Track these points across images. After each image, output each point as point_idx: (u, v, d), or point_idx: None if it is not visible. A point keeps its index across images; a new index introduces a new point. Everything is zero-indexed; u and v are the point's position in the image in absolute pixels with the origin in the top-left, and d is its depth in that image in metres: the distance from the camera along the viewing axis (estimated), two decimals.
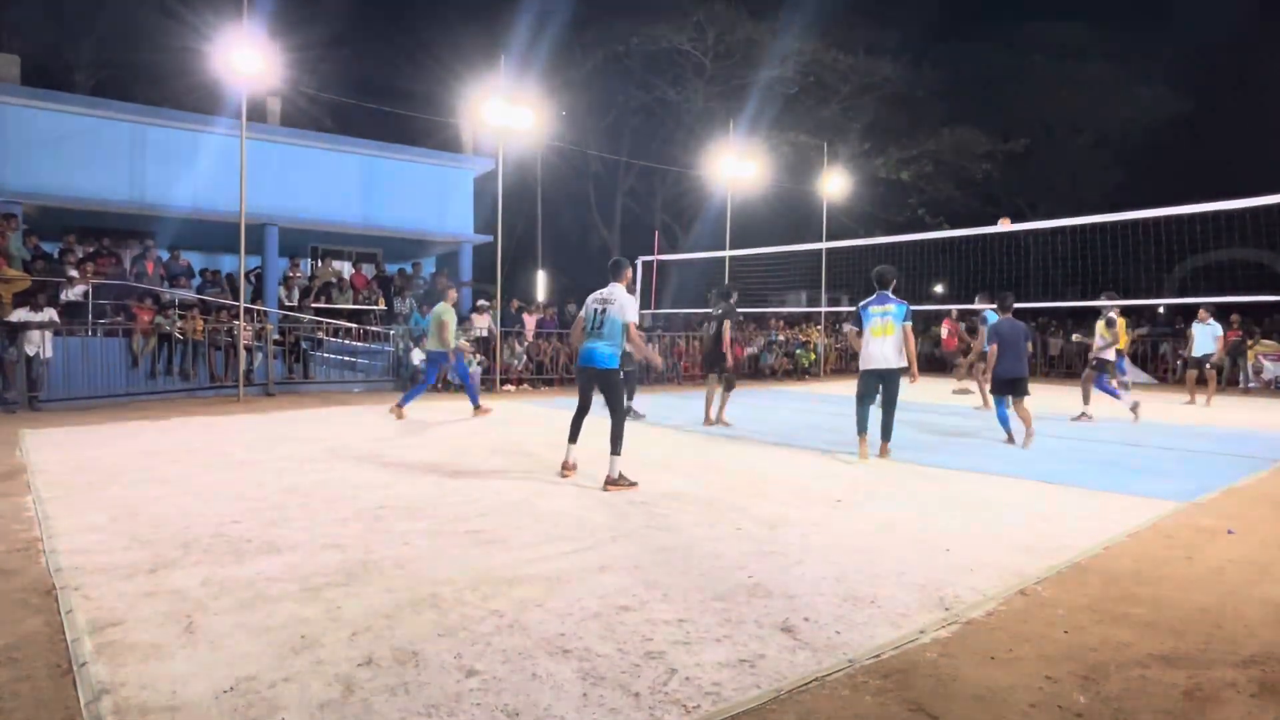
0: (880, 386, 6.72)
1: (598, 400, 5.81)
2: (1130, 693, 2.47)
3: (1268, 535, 4.38)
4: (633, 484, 5.44)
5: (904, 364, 6.64)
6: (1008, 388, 7.48)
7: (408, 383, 13.28)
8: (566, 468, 5.86)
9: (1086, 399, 9.94)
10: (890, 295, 6.74)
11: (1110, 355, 9.72)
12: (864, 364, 6.76)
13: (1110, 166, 26.81)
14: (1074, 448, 7.60)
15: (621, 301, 5.68)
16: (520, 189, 25.22)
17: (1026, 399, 7.49)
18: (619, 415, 5.61)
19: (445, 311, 9.52)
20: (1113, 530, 4.40)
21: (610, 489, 5.35)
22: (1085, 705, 2.39)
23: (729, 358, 9.04)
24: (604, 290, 5.82)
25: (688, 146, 24.68)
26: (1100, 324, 9.77)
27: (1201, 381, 12.36)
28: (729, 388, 9.29)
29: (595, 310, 5.74)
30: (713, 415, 9.10)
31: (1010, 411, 7.58)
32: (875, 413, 6.81)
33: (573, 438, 5.89)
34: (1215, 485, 5.74)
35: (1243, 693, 2.48)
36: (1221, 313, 16.63)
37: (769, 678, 2.53)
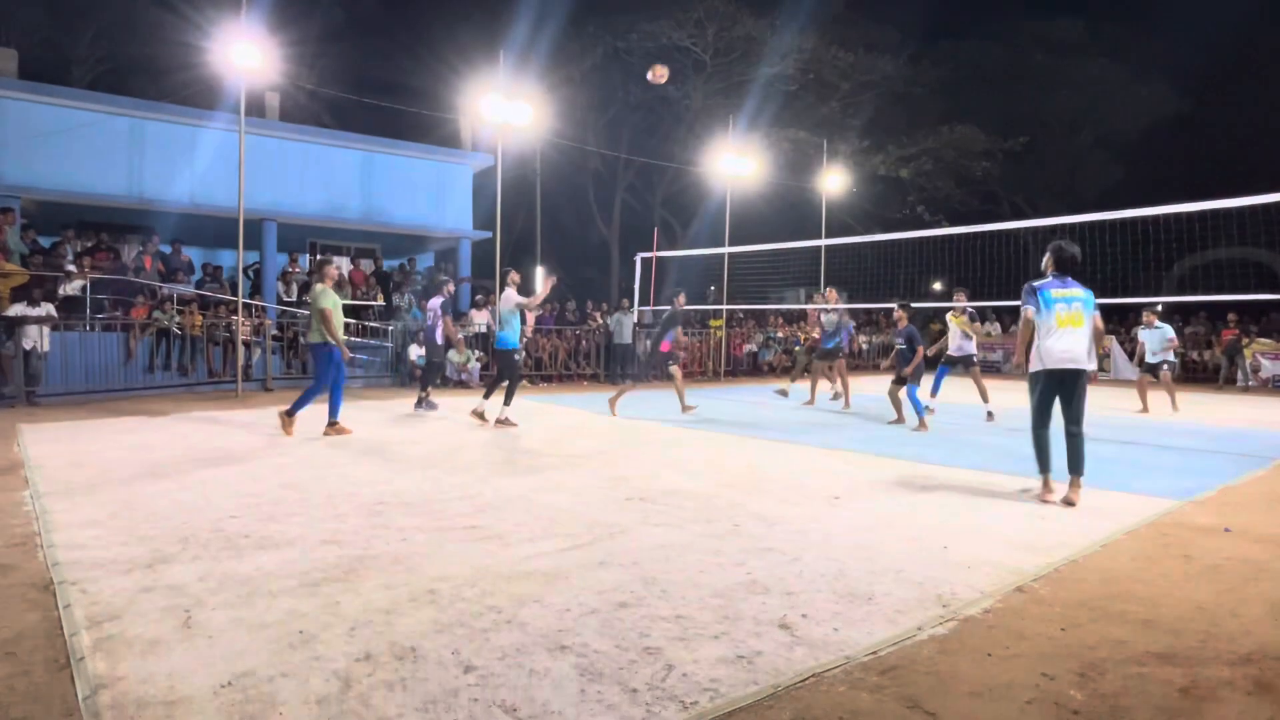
0: (1060, 394, 5.19)
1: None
2: (1127, 690, 2.48)
3: (1265, 533, 4.39)
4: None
5: (1093, 364, 5.37)
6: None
7: (407, 379, 13.29)
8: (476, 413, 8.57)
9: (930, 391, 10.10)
10: (1073, 280, 5.30)
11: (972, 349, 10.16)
12: (1041, 362, 5.21)
13: (1109, 165, 26.80)
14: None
15: (505, 297, 8.32)
16: (519, 185, 25.18)
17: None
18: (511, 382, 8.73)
19: (323, 295, 7.64)
20: (1110, 528, 4.41)
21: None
22: (1082, 702, 2.39)
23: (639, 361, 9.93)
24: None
25: (687, 143, 24.66)
26: (961, 320, 10.04)
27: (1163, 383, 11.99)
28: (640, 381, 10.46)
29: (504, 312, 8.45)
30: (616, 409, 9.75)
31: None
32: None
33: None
34: (1212, 483, 5.75)
35: (1239, 690, 2.49)
36: (1219, 311, 16.69)
37: (766, 674, 2.53)
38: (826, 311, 10.99)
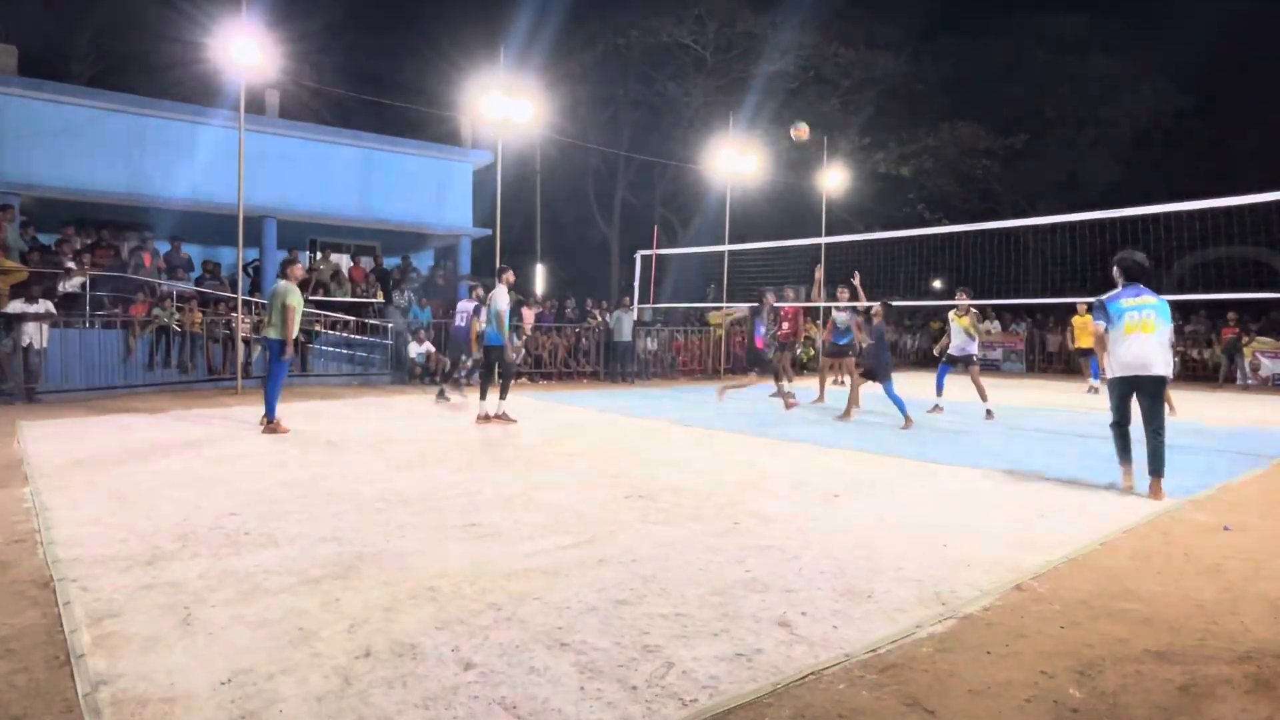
0: (1137, 398, 5.32)
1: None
2: (1126, 688, 2.48)
3: (1264, 532, 4.39)
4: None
5: (1168, 371, 5.33)
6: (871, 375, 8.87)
7: (406, 376, 13.29)
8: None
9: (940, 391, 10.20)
10: (1145, 288, 5.38)
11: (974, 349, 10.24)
12: (1114, 370, 5.38)
13: (1110, 163, 26.77)
14: (1072, 444, 7.62)
15: (494, 297, 8.53)
16: (519, 182, 25.15)
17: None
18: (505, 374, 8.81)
19: (289, 293, 7.61)
20: (1109, 526, 4.41)
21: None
22: (1081, 700, 2.39)
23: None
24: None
25: (687, 140, 24.62)
26: (966, 320, 10.12)
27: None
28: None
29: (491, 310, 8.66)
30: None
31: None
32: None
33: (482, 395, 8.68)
34: (1212, 482, 5.75)
35: (1238, 689, 2.49)
36: (1219, 310, 16.68)
37: (766, 672, 2.53)
38: (839, 309, 11.01)
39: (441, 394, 10.81)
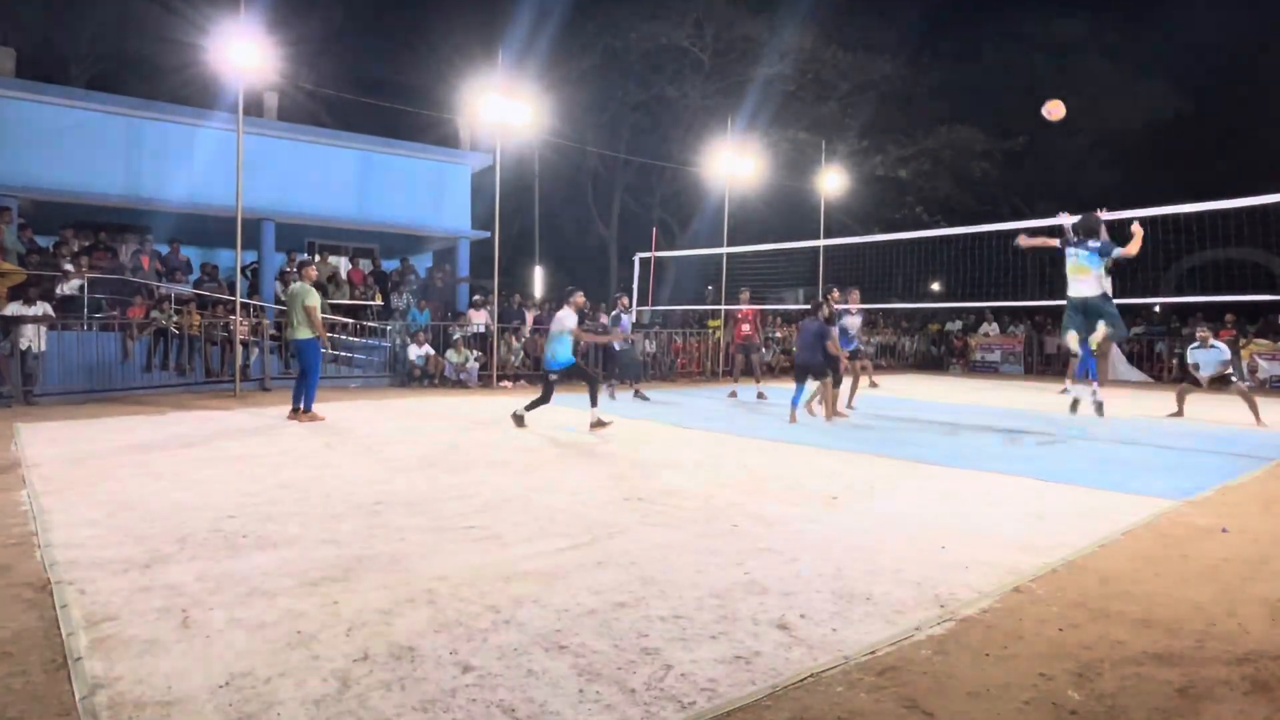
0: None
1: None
2: (1124, 690, 2.48)
3: (1262, 533, 4.40)
4: (605, 424, 7.84)
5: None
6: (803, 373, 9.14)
7: (405, 379, 13.29)
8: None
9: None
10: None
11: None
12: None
13: (1108, 165, 26.81)
14: (1069, 446, 7.62)
15: (561, 318, 8.26)
16: (518, 185, 25.16)
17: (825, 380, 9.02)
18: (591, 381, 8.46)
19: (308, 294, 8.45)
20: (1108, 528, 4.41)
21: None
22: (1079, 702, 2.39)
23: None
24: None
25: (686, 143, 24.64)
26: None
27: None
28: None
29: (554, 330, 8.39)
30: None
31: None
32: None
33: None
34: (1210, 483, 5.75)
35: (1236, 690, 2.49)
36: (1216, 312, 16.70)
37: (764, 674, 2.53)
38: (850, 314, 11.12)
39: (638, 393, 11.91)
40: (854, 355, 11.21)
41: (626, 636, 2.81)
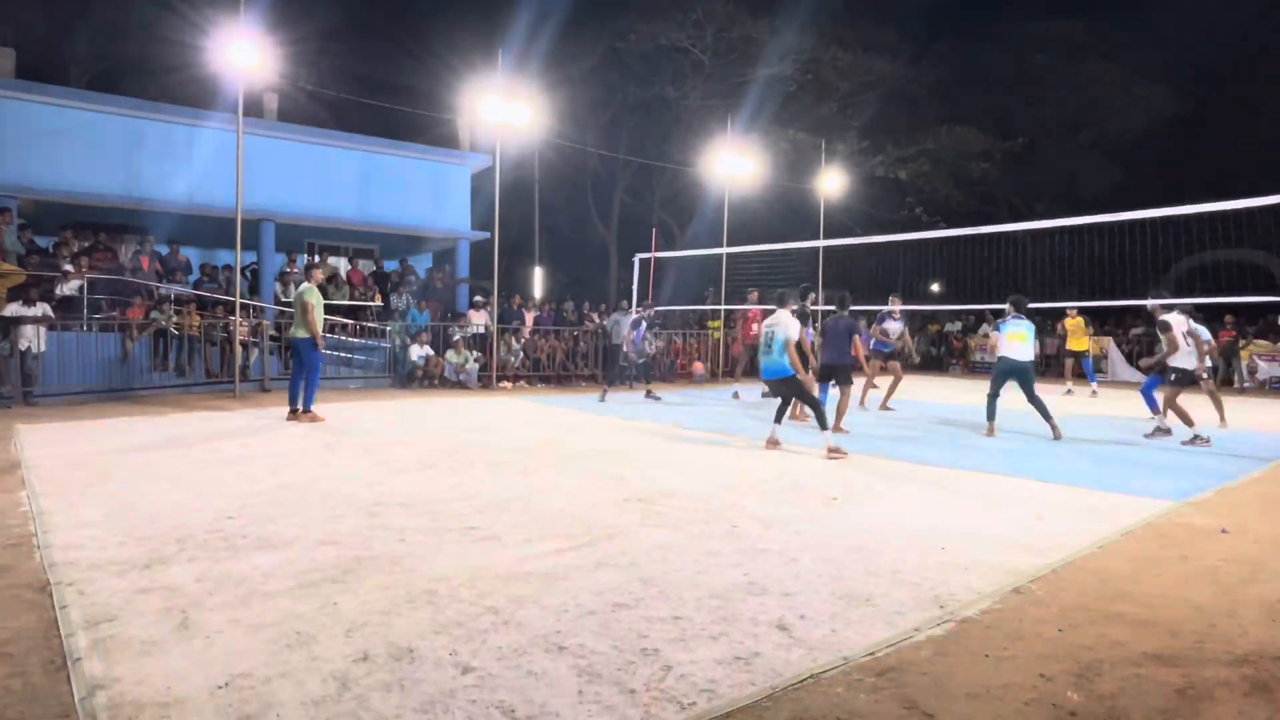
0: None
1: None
2: (1124, 691, 2.48)
3: (1261, 534, 4.40)
4: (843, 454, 6.74)
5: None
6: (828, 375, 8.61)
7: (405, 380, 13.28)
8: (770, 442, 7.25)
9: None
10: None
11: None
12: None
13: (1108, 166, 26.81)
14: (1069, 447, 7.62)
15: (784, 326, 7.12)
16: (517, 185, 25.14)
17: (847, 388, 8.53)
18: (812, 403, 7.19)
19: (308, 292, 8.68)
20: (1107, 529, 4.41)
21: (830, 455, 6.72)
22: (1079, 703, 2.39)
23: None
24: (772, 316, 7.27)
25: (686, 143, 24.62)
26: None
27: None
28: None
29: (766, 333, 7.25)
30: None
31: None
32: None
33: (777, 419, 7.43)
34: (1209, 484, 5.76)
35: (1235, 691, 2.49)
36: (1216, 313, 16.70)
37: (764, 675, 2.53)
38: (894, 319, 11.21)
39: (650, 394, 12.01)
40: (892, 357, 11.34)
41: (626, 637, 2.81)
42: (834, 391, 8.58)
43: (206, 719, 2.20)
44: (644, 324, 12.55)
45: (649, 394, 12.10)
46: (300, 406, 8.70)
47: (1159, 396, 8.54)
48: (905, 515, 4.72)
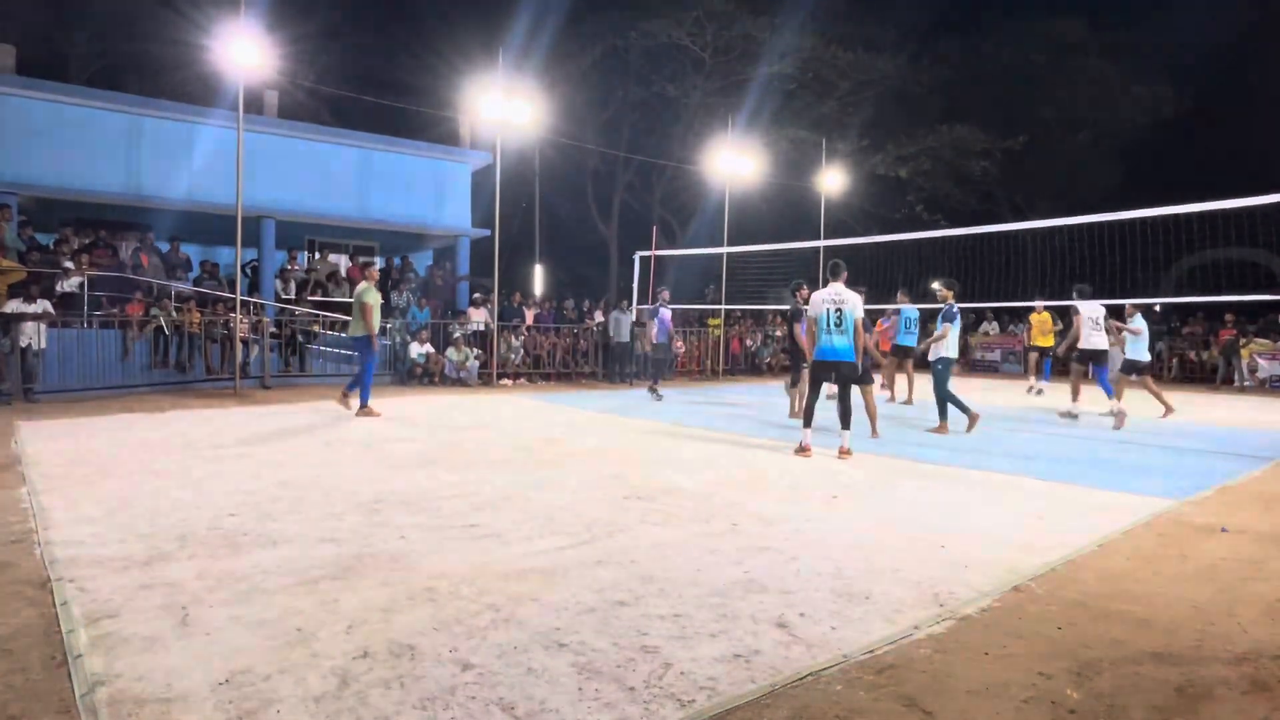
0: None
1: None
2: (1123, 689, 2.48)
3: (1261, 533, 4.40)
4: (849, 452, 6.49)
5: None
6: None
7: (405, 377, 13.28)
8: (803, 450, 6.69)
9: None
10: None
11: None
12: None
13: (1108, 165, 26.79)
14: (1069, 445, 7.63)
15: (852, 300, 6.48)
16: (518, 183, 25.14)
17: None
18: (862, 390, 6.88)
19: (367, 292, 9.02)
20: (1107, 528, 4.41)
21: (842, 456, 6.46)
22: (1078, 701, 2.40)
23: None
24: (829, 291, 6.57)
25: (686, 142, 24.62)
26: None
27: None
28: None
29: (829, 310, 6.51)
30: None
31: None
32: None
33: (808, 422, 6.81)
34: (1209, 483, 5.76)
35: (1234, 690, 2.50)
36: (1216, 311, 16.71)
37: (764, 672, 2.53)
38: (910, 306, 11.47)
39: (652, 391, 12.03)
40: (908, 355, 11.53)
41: (626, 635, 2.82)
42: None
43: (207, 715, 2.21)
44: (666, 312, 12.51)
45: (653, 390, 12.09)
46: (365, 404, 8.97)
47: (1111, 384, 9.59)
48: (904, 513, 4.73)
